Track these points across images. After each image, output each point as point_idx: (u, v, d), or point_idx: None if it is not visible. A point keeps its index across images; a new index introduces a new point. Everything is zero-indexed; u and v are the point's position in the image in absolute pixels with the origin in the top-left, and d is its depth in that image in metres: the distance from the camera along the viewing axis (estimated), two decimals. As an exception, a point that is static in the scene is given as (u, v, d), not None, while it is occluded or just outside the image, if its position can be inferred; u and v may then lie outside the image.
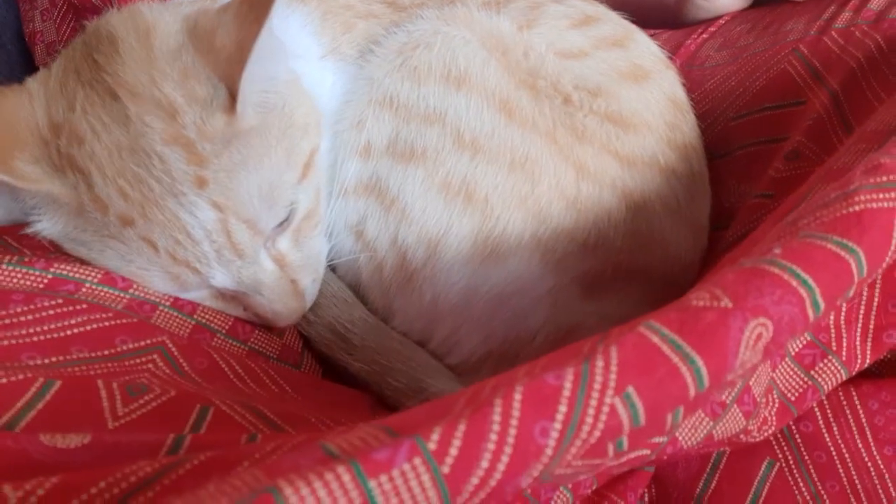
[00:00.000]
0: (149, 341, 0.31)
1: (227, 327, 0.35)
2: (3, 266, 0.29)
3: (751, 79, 0.47)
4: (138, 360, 0.30)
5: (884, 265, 0.24)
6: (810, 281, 0.23)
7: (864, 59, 0.42)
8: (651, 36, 0.60)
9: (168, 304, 0.33)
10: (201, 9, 0.34)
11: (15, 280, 0.30)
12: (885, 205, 0.25)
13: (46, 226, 0.33)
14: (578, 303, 0.36)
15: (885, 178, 0.26)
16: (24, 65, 0.72)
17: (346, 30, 0.43)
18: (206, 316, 0.35)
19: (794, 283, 0.23)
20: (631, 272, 0.37)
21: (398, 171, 0.37)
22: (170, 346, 0.31)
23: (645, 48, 0.42)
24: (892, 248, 0.25)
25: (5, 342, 0.27)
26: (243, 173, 0.32)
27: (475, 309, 0.36)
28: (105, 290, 0.32)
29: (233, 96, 0.31)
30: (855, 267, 0.24)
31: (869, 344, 0.33)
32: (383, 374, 0.37)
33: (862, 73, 0.41)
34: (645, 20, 0.65)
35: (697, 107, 0.47)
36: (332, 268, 0.40)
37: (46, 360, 0.27)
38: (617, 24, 0.43)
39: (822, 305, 0.23)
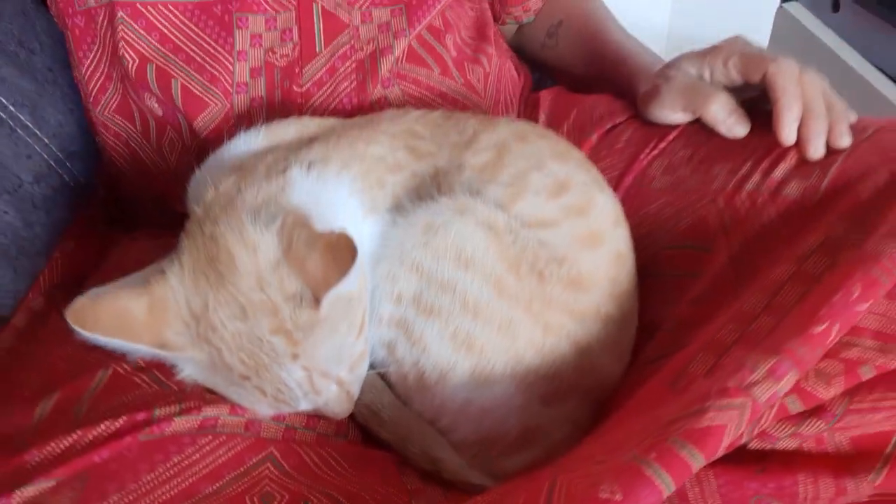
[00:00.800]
0: (263, 454, 0.48)
1: (303, 423, 0.53)
2: (175, 419, 0.46)
3: (680, 215, 0.62)
4: (260, 471, 0.47)
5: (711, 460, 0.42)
6: (667, 477, 0.41)
7: (760, 228, 0.57)
8: (617, 128, 0.75)
9: (269, 418, 0.51)
10: (289, 227, 0.48)
11: (182, 426, 0.46)
12: (723, 422, 0.42)
13: (189, 373, 0.49)
14: (539, 410, 0.54)
15: (726, 401, 0.43)
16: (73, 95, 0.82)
17: (381, 187, 0.57)
18: (291, 419, 0.52)
19: (658, 482, 0.40)
20: (575, 390, 0.55)
21: (421, 320, 0.53)
22: (275, 453, 0.49)
23: (602, 212, 0.57)
24: (720, 450, 0.42)
25: (190, 479, 0.44)
26: (322, 346, 0.48)
27: (469, 413, 0.54)
28: (232, 418, 0.49)
29: (318, 300, 0.47)
30: (696, 465, 0.41)
31: None
32: (404, 442, 0.56)
33: (755, 241, 0.57)
34: (621, 94, 0.79)
35: (639, 228, 0.63)
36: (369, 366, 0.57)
37: (215, 486, 0.45)
38: (582, 189, 0.58)
39: (673, 488, 0.41)
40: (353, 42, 0.69)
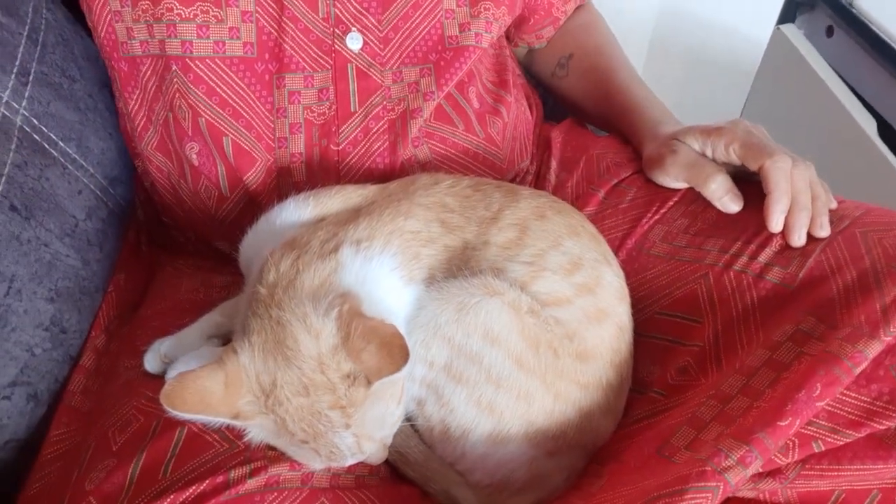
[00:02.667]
0: (318, 503, 0.57)
1: (345, 470, 0.62)
2: (247, 481, 0.54)
3: (674, 286, 0.71)
4: (317, 518, 0.56)
5: None
6: None
7: (742, 308, 0.66)
8: (623, 183, 0.82)
9: (320, 472, 0.59)
10: (347, 317, 0.55)
11: (253, 486, 0.55)
12: (700, 501, 0.52)
13: (255, 435, 0.57)
14: (545, 461, 0.64)
15: (703, 484, 0.53)
16: (112, 119, 0.87)
17: (416, 259, 0.64)
18: (336, 468, 0.61)
19: None
20: (576, 446, 0.64)
21: (450, 385, 0.62)
22: (325, 502, 0.58)
23: (608, 289, 0.66)
24: None
25: None
26: (369, 415, 0.57)
27: (486, 463, 0.63)
28: (291, 474, 0.57)
29: (370, 381, 0.55)
30: None
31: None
32: (427, 480, 0.65)
33: (738, 320, 0.66)
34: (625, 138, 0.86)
35: (637, 290, 0.72)
36: (399, 415, 0.66)
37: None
38: (593, 267, 0.66)
39: None
40: (385, 102, 0.75)
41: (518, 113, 0.88)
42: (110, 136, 0.86)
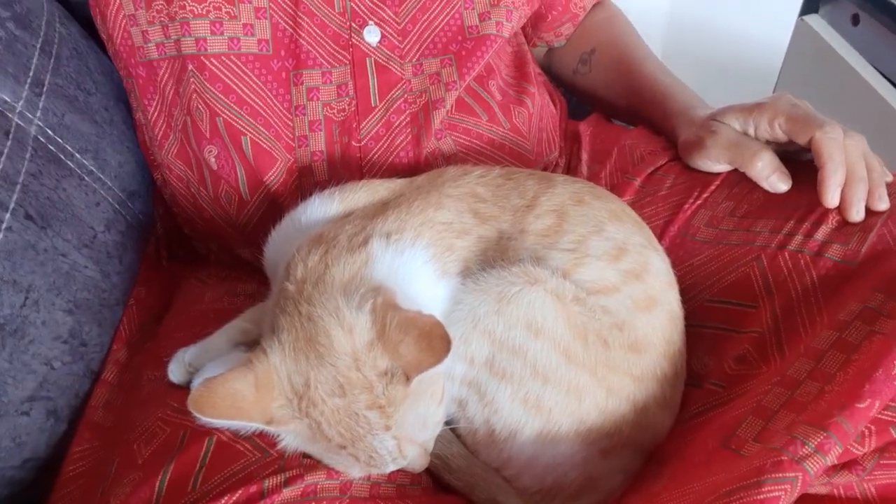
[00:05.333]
0: (354, 515, 0.53)
1: (385, 478, 0.58)
2: (283, 491, 0.50)
3: (724, 271, 0.66)
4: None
5: None
6: None
7: (802, 289, 0.61)
8: (660, 170, 0.78)
9: (358, 479, 0.55)
10: (382, 310, 0.52)
11: (289, 495, 0.51)
12: (777, 494, 0.48)
13: (289, 442, 0.53)
14: (598, 463, 0.59)
15: (781, 475, 0.48)
16: (129, 132, 0.85)
17: (449, 251, 0.61)
18: (376, 476, 0.57)
19: None
20: (631, 444, 0.60)
21: (493, 383, 0.57)
22: (365, 511, 0.54)
23: (657, 275, 0.62)
24: None
25: None
26: (410, 416, 0.53)
27: (535, 467, 0.59)
28: (329, 482, 0.53)
29: (408, 377, 0.51)
30: None
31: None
32: (472, 488, 0.61)
33: (798, 302, 0.61)
34: (654, 129, 0.82)
35: (684, 279, 0.68)
36: (439, 418, 0.62)
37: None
38: (639, 252, 0.62)
39: None
40: (406, 95, 0.72)
41: (542, 105, 0.84)
42: (128, 150, 0.84)
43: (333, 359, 0.51)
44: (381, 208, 0.62)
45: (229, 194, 0.74)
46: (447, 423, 0.60)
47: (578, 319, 0.57)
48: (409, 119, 0.72)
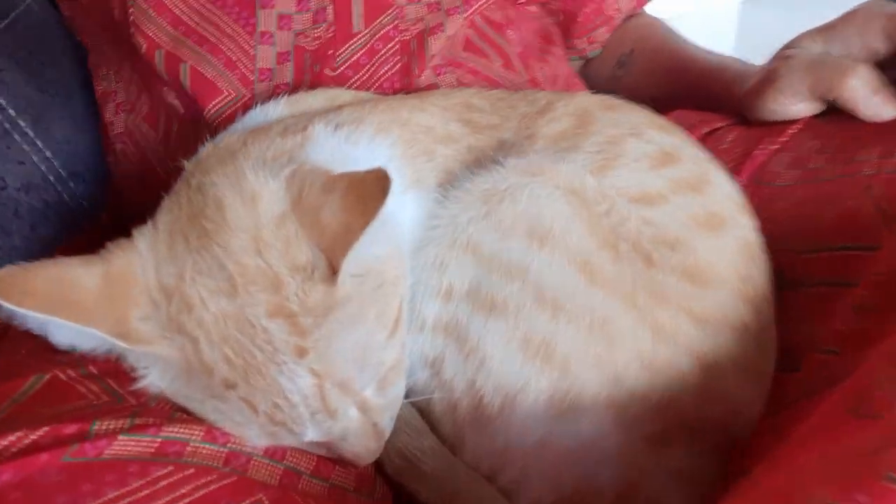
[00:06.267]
0: (249, 501, 0.33)
1: (311, 468, 0.37)
2: (120, 438, 0.31)
3: (821, 212, 0.47)
4: (241, 522, 0.32)
5: None
6: None
7: None
8: (718, 132, 0.61)
9: (261, 453, 0.35)
10: (301, 174, 0.35)
11: (129, 448, 0.32)
12: None
13: (154, 380, 0.35)
14: (645, 458, 0.37)
15: None
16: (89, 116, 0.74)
17: (428, 158, 0.44)
18: (294, 459, 0.37)
19: None
20: (695, 428, 0.38)
21: (478, 320, 0.38)
22: (266, 502, 0.33)
23: (721, 191, 0.43)
24: None
25: None
26: (339, 341, 0.34)
27: (546, 460, 0.38)
28: (207, 446, 0.34)
29: (334, 269, 0.33)
30: None
31: None
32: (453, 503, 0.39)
33: None
34: (708, 109, 0.66)
35: (763, 230, 0.48)
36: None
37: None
38: (694, 162, 0.44)
39: None
40: (397, 22, 0.59)
41: (569, 73, 0.70)
42: (83, 132, 0.72)
43: (224, 237, 0.33)
44: (337, 108, 0.46)
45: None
46: (412, 395, 0.40)
47: (605, 224, 0.39)
48: (398, 47, 0.58)
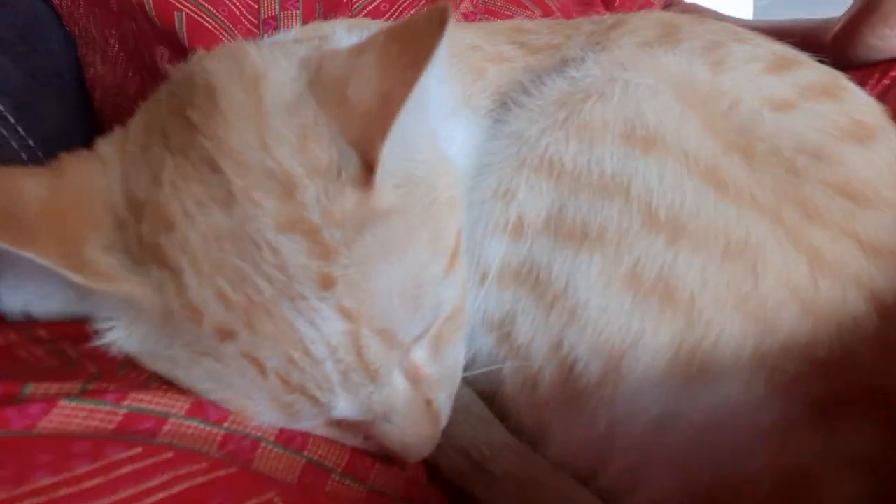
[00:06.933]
0: (254, 501, 0.22)
1: (343, 463, 0.27)
2: (62, 403, 0.21)
3: None
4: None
5: None
6: None
7: None
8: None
9: (272, 439, 0.25)
10: (322, 51, 0.26)
11: (78, 421, 0.21)
12: None
13: (120, 336, 0.24)
14: (810, 439, 0.27)
15: None
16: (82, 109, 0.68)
17: (477, 76, 0.35)
18: (320, 451, 0.26)
19: None
20: (877, 397, 0.27)
21: (564, 256, 0.28)
22: (277, 501, 0.23)
23: (861, 98, 0.33)
24: None
25: None
26: (381, 269, 0.24)
27: (671, 444, 0.27)
28: (194, 424, 0.23)
29: (369, 166, 0.23)
30: None
31: None
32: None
33: None
34: None
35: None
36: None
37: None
38: (818, 68, 0.35)
39: None
40: None
41: None
42: (70, 124, 0.65)
43: (215, 128, 0.24)
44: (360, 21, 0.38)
45: None
46: (474, 368, 0.30)
47: (730, 122, 0.29)
48: None
